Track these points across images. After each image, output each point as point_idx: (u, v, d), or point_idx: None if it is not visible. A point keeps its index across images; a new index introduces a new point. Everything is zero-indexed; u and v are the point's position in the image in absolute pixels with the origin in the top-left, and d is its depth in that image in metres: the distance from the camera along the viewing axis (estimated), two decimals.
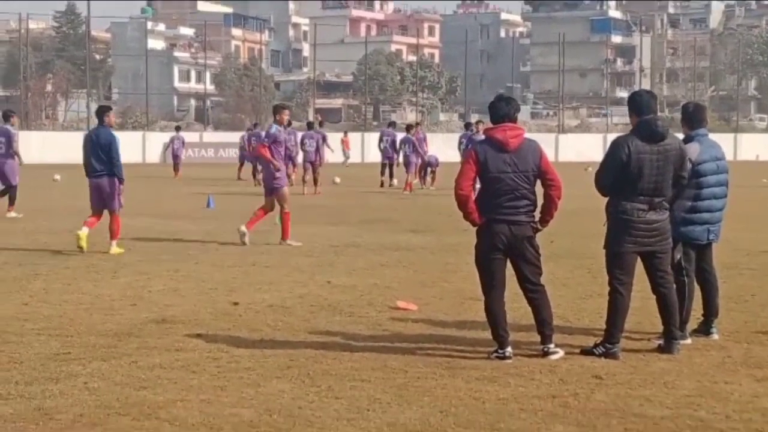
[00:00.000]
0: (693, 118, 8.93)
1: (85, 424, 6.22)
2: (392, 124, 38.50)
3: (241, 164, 36.86)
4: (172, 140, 41.90)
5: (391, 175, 33.21)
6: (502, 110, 8.07)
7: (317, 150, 30.33)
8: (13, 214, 20.46)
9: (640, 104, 8.26)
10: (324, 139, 31.86)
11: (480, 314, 9.37)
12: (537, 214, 8.10)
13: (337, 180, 34.22)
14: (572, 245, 15.44)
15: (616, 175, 8.05)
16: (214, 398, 6.82)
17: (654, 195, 8.02)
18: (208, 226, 18.48)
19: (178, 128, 45.46)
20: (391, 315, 9.87)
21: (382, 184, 32.82)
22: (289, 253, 14.82)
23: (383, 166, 33.61)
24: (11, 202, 20.73)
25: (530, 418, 6.43)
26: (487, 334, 8.25)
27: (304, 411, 6.55)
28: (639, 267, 8.33)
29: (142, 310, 10.04)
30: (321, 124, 36.09)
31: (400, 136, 33.36)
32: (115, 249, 14.65)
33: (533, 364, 7.81)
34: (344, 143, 52.14)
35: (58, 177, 34.52)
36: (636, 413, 6.55)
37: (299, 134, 30.96)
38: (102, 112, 15.19)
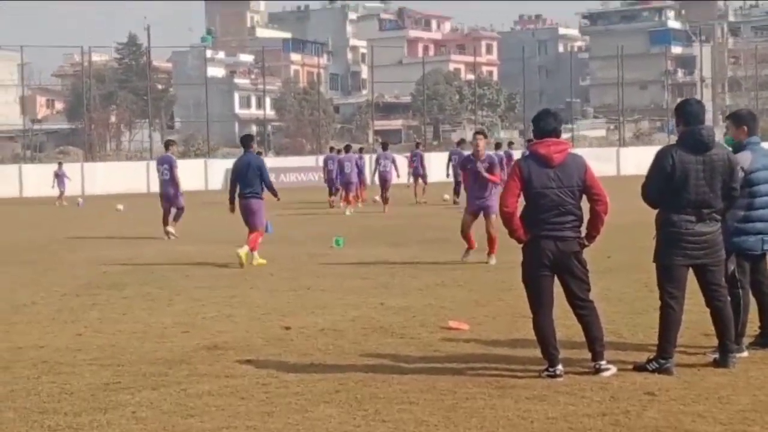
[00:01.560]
0: (745, 125, 8.77)
1: None
2: (461, 142, 38.27)
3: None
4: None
5: (457, 193, 33.18)
6: (549, 125, 7.99)
7: (392, 170, 32.34)
8: (171, 229, 22.17)
9: (688, 113, 8.12)
10: (394, 160, 33.38)
11: (531, 332, 9.27)
12: (584, 230, 8.00)
13: (446, 197, 34.66)
14: (629, 259, 15.22)
15: (661, 186, 7.92)
16: (260, 424, 6.81)
17: (702, 206, 7.87)
18: (265, 251, 18.49)
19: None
20: (443, 335, 9.80)
21: (455, 202, 32.83)
22: (345, 275, 14.80)
23: (457, 184, 33.14)
24: (176, 218, 22.48)
25: None
26: (539, 353, 8.14)
27: None
28: (693, 280, 8.19)
29: (194, 337, 10.07)
30: (384, 146, 36.26)
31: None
32: (257, 260, 16.44)
33: (584, 382, 7.69)
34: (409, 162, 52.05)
35: (120, 207, 34.89)
36: (688, 429, 6.42)
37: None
38: (248, 140, 17.44)
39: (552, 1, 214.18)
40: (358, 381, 7.96)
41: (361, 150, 39.40)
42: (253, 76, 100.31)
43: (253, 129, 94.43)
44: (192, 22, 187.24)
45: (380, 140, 44.43)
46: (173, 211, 22.50)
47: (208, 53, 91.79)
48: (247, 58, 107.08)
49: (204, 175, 56.83)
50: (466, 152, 33.38)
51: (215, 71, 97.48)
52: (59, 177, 46.24)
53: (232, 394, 7.64)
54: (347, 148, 34.22)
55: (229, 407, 7.27)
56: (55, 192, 44.99)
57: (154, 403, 7.43)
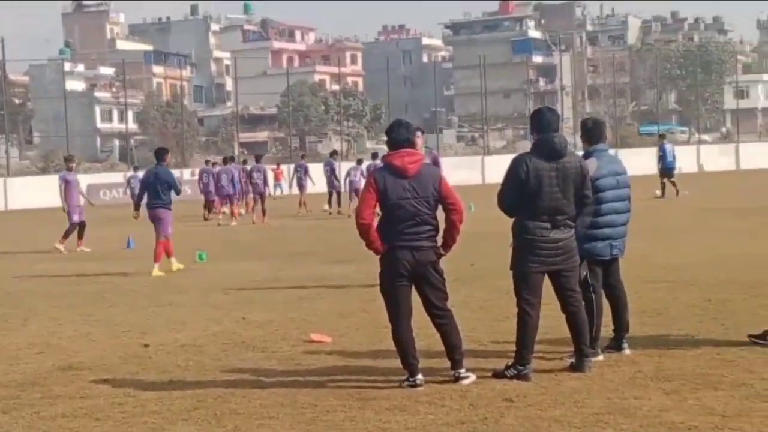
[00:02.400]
0: (591, 133, 8.95)
1: None
2: (334, 153, 38.77)
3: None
4: (129, 180, 40.99)
5: (329, 202, 34.16)
6: (401, 136, 8.01)
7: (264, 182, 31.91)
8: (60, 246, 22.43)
9: (541, 121, 8.23)
10: (266, 173, 32.96)
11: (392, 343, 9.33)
12: (440, 239, 8.04)
13: (326, 207, 34.72)
14: (492, 267, 15.37)
15: (516, 194, 8.02)
16: None
17: (556, 213, 7.99)
18: (126, 268, 18.18)
19: (136, 168, 44.87)
20: (305, 348, 9.74)
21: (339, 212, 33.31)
22: (207, 290, 14.62)
23: (329, 194, 34.29)
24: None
25: None
26: (399, 363, 8.15)
27: None
28: (550, 286, 8.31)
29: (49, 357, 9.80)
30: (258, 159, 36.28)
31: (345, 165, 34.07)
32: (156, 272, 16.73)
33: (444, 391, 7.73)
34: (276, 174, 51.69)
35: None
36: None
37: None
38: (162, 153, 18.18)
39: (414, 12, 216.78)
40: (218, 397, 7.85)
41: (244, 162, 38.97)
42: (114, 90, 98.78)
43: (116, 143, 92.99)
44: (49, 34, 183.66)
45: (246, 152, 44.30)
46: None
47: (67, 66, 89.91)
48: (107, 71, 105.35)
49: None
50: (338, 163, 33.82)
51: (75, 85, 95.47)
52: None
53: (87, 415, 7.45)
54: (225, 161, 34.04)
55: (84, 429, 7.09)
56: None
57: (4, 427, 7.20)
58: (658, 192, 33.90)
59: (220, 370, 8.87)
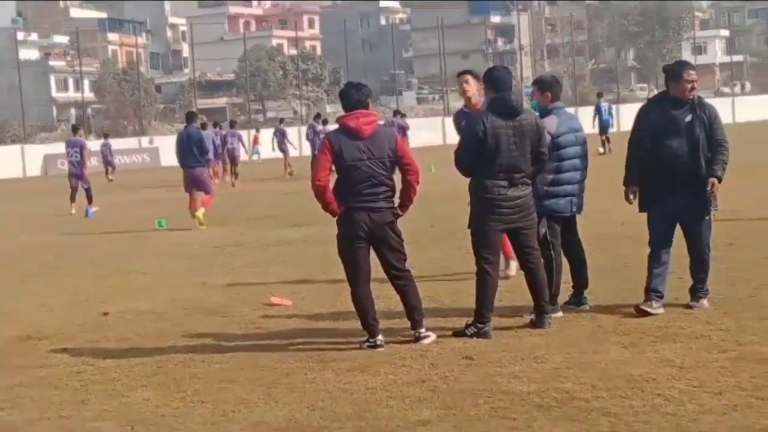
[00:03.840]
0: (549, 91, 8.94)
1: None
2: (318, 116, 38.87)
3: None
4: (102, 147, 41.55)
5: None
6: (352, 97, 7.95)
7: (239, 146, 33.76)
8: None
9: (496, 80, 8.21)
10: (240, 138, 35.04)
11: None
12: (397, 200, 8.02)
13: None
14: (453, 228, 15.39)
15: (474, 154, 8.00)
16: (75, 413, 6.61)
17: (513, 171, 7.99)
18: (85, 238, 18.05)
19: (106, 135, 45.69)
20: (265, 312, 9.72)
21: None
22: (168, 257, 14.56)
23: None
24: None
25: (397, 405, 6.34)
26: (360, 325, 8.14)
27: (167, 419, 6.38)
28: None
29: (6, 328, 9.71)
30: (232, 125, 37.91)
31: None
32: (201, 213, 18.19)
33: (405, 351, 7.73)
34: (255, 140, 51.17)
35: None
36: (504, 390, 6.51)
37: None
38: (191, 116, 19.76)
39: None
40: (178, 362, 7.82)
41: (217, 126, 38.52)
42: (69, 58, 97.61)
43: (72, 112, 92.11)
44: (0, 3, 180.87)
45: (205, 119, 43.88)
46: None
47: (20, 35, 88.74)
48: (62, 39, 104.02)
49: (21, 161, 55.00)
50: (322, 126, 33.68)
51: (28, 54, 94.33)
52: None
53: (46, 385, 7.40)
54: (203, 126, 32.71)
55: (42, 398, 7.04)
56: None
57: None
58: (600, 149, 34.60)
59: (181, 336, 8.83)
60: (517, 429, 5.75)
